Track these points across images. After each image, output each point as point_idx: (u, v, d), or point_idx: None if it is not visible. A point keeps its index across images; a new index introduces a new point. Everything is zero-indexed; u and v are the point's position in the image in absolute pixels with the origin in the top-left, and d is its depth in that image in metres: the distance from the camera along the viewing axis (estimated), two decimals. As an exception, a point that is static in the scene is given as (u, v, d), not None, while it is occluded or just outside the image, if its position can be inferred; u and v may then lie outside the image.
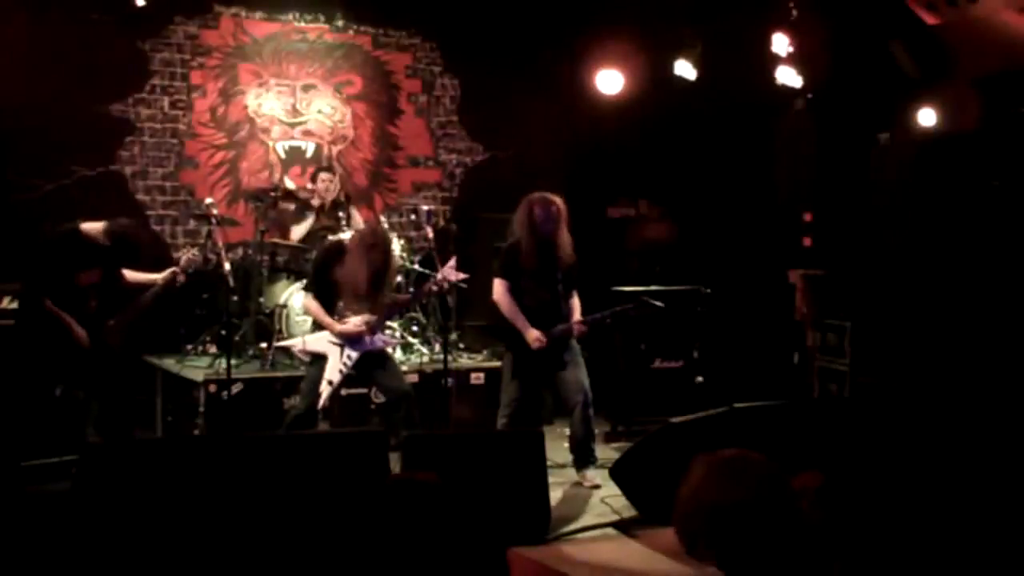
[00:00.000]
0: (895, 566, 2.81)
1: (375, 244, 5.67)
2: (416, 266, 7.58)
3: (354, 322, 5.66)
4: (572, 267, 5.90)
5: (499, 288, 5.80)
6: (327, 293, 5.70)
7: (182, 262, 5.78)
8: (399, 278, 7.23)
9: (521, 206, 5.80)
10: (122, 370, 5.71)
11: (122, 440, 5.40)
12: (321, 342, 5.67)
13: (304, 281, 6.40)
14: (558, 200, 5.76)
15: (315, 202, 7.73)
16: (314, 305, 5.71)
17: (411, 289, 7.24)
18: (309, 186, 7.99)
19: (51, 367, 5.39)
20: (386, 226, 7.70)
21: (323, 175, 7.81)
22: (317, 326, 5.80)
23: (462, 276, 5.93)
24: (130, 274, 5.70)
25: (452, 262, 5.83)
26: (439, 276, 5.88)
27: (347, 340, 5.64)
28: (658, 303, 6.05)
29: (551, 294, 5.83)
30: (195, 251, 5.93)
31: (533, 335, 5.69)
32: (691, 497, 2.09)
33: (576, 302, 5.97)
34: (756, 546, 2.02)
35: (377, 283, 5.67)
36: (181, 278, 5.71)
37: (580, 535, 5.03)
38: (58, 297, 5.30)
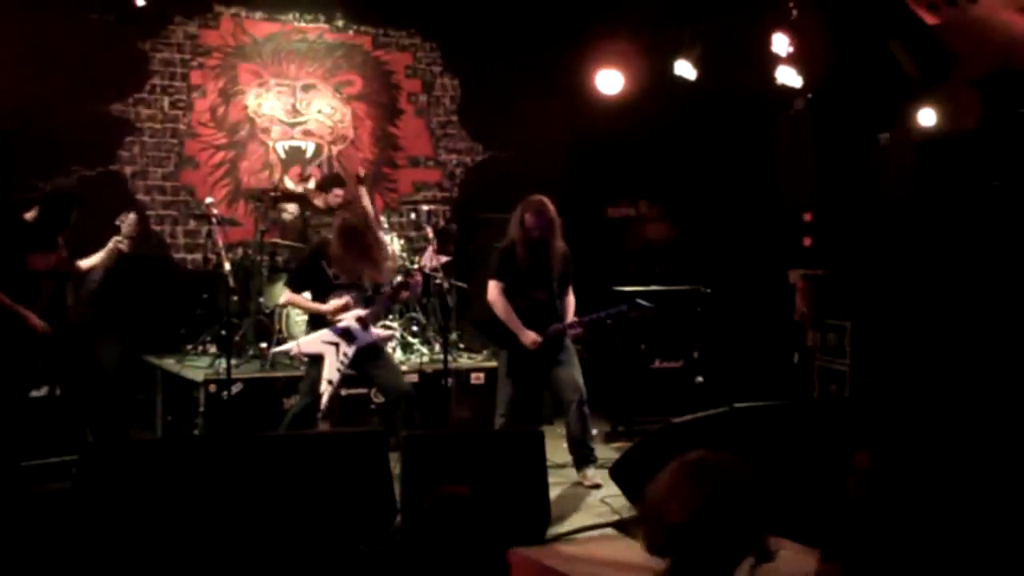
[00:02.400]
0: (895, 564, 2.81)
1: (352, 228, 5.72)
2: (416, 266, 7.58)
3: (346, 318, 5.63)
4: (566, 268, 5.93)
5: (494, 289, 5.83)
6: (318, 288, 5.71)
7: (124, 228, 5.79)
8: (399, 278, 7.24)
9: (517, 209, 5.84)
10: (90, 354, 5.70)
11: (119, 439, 5.40)
12: (316, 343, 5.67)
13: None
14: (551, 207, 5.79)
15: (318, 203, 7.73)
16: (297, 296, 5.72)
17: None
18: (311, 187, 7.98)
19: (21, 365, 5.35)
20: (386, 225, 7.72)
21: (337, 191, 7.76)
22: (311, 326, 5.80)
23: (443, 259, 5.97)
24: (83, 263, 5.73)
25: (430, 250, 5.86)
26: (421, 264, 5.91)
27: (343, 336, 5.64)
28: (648, 304, 6.06)
29: (546, 294, 5.86)
30: (132, 215, 5.93)
31: (529, 338, 5.73)
32: (658, 499, 2.13)
33: (571, 300, 6.00)
34: (708, 551, 2.02)
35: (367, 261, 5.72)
36: (123, 245, 5.74)
37: (580, 535, 5.03)
38: (13, 287, 5.26)
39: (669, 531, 2.08)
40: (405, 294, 6.34)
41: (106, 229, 5.78)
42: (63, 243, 5.54)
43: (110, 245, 5.73)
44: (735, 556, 2.06)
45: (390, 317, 7.16)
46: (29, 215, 5.43)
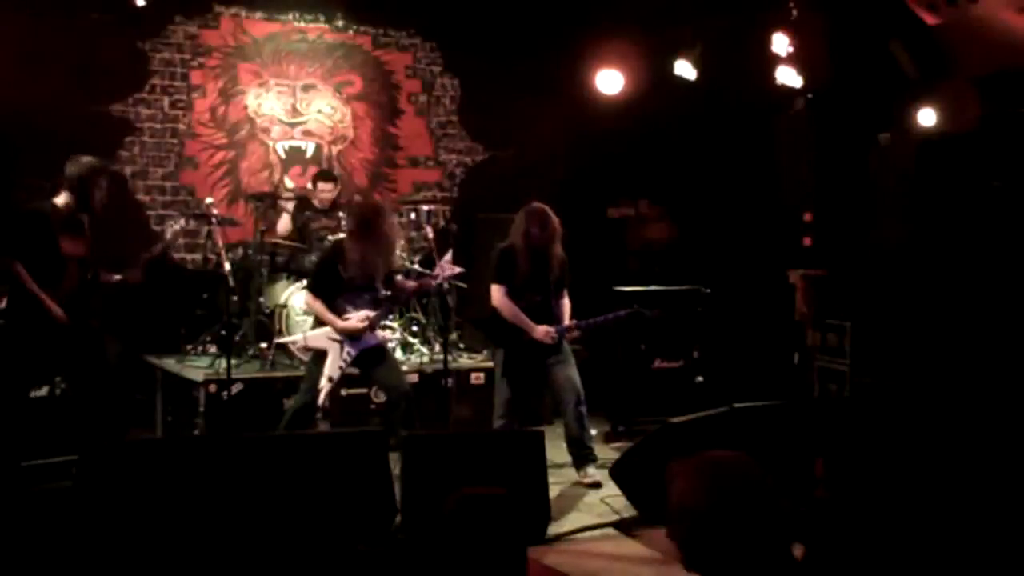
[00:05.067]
0: (895, 564, 2.81)
1: (369, 215, 5.74)
2: (416, 266, 7.58)
3: (356, 318, 5.68)
4: (563, 272, 6.00)
5: (498, 293, 5.87)
6: (329, 291, 5.73)
7: (168, 236, 5.80)
8: (399, 277, 7.23)
9: (520, 215, 5.88)
10: (105, 354, 5.68)
11: (118, 440, 5.40)
12: (321, 338, 5.69)
13: (305, 281, 6.42)
14: (553, 216, 5.84)
15: (316, 203, 7.72)
16: (317, 303, 5.73)
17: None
18: (308, 186, 7.98)
19: (38, 356, 5.33)
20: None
21: (323, 184, 7.73)
22: (318, 324, 5.81)
23: (458, 270, 5.98)
24: (115, 276, 5.70)
25: (448, 256, 5.87)
26: (435, 271, 5.92)
27: (347, 336, 5.66)
28: (647, 312, 6.05)
29: (542, 296, 5.91)
30: (178, 225, 5.95)
31: (542, 330, 5.78)
32: (681, 501, 2.07)
33: (567, 302, 6.06)
34: (730, 553, 1.99)
35: (386, 256, 5.74)
36: (160, 250, 5.75)
37: (580, 535, 5.04)
38: (42, 269, 5.20)
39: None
40: (422, 285, 6.31)
41: (105, 229, 5.75)
42: (88, 229, 5.50)
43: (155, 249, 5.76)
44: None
45: (390, 317, 7.16)
46: (59, 200, 5.36)
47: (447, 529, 2.34)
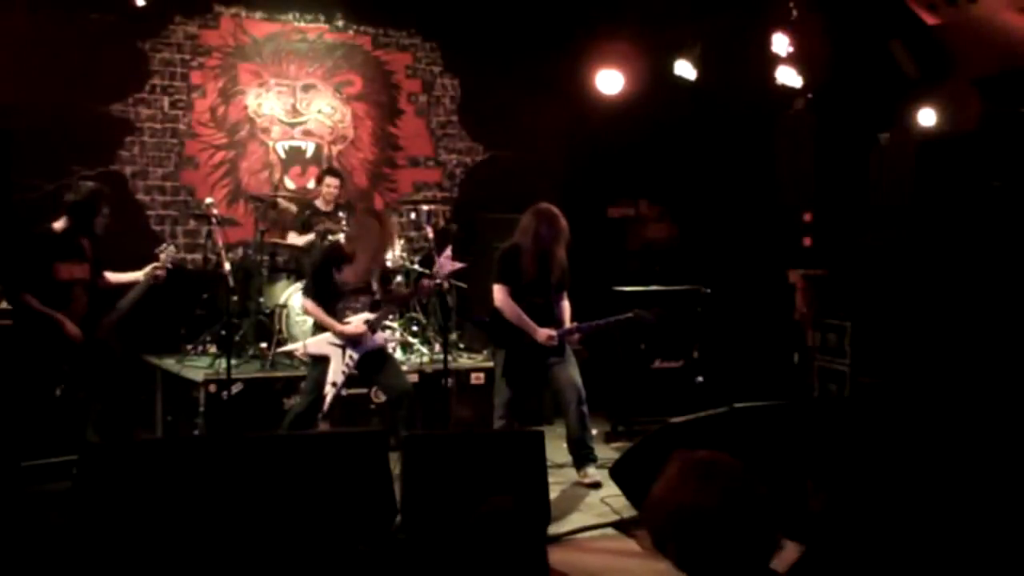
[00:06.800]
0: (894, 565, 2.81)
1: (370, 222, 5.76)
2: (416, 266, 7.58)
3: (355, 322, 5.67)
4: (564, 274, 6.01)
5: (501, 293, 5.86)
6: (327, 294, 5.71)
7: (161, 257, 5.80)
8: (399, 278, 7.23)
9: (529, 215, 5.88)
10: (117, 367, 5.72)
11: (122, 440, 5.41)
12: (322, 344, 5.67)
13: (304, 282, 6.42)
14: (562, 217, 5.84)
15: (319, 204, 7.72)
16: (314, 307, 5.71)
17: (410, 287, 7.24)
18: (311, 186, 7.98)
19: (47, 366, 5.40)
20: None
21: (329, 179, 7.74)
22: (317, 327, 5.80)
23: (459, 265, 5.96)
24: (111, 275, 5.75)
25: (448, 252, 5.85)
26: (436, 268, 5.91)
27: (348, 341, 5.65)
28: (647, 316, 6.05)
29: (544, 298, 5.92)
30: (172, 247, 5.98)
31: (544, 334, 5.78)
32: (661, 496, 2.09)
33: (566, 304, 6.07)
34: (717, 550, 2.01)
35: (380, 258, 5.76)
36: (161, 273, 5.74)
37: (580, 535, 5.04)
38: (43, 295, 5.35)
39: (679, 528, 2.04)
40: (427, 285, 6.32)
41: (106, 230, 5.76)
42: (90, 252, 5.58)
43: (147, 270, 5.74)
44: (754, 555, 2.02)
45: (390, 317, 7.15)
46: (58, 225, 5.47)
47: (468, 547, 2.33)
